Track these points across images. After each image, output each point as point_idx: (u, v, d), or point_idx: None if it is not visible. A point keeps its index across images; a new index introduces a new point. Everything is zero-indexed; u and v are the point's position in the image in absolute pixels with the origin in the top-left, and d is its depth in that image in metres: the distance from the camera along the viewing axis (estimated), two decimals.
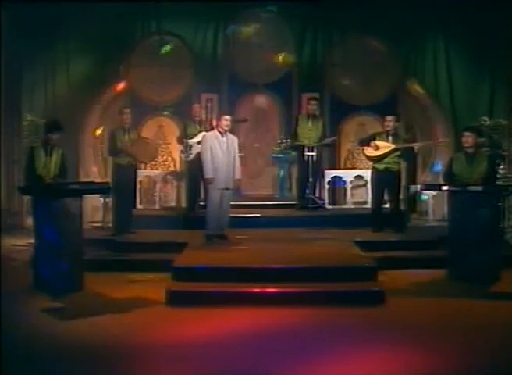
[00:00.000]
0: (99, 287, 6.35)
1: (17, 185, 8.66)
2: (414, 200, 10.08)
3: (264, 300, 5.85)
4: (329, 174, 9.96)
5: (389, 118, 8.43)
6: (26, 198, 8.90)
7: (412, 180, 10.19)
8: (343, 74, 10.62)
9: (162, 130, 10.55)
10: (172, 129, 10.45)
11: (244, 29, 10.75)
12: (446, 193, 7.24)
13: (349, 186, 9.92)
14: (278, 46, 10.77)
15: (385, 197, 8.57)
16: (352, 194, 9.94)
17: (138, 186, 9.49)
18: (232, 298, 5.83)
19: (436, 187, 7.90)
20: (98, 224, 9.19)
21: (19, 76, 10.17)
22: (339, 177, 10.00)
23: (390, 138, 8.35)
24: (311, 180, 9.34)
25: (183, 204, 9.85)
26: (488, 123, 9.82)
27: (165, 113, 10.62)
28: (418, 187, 9.96)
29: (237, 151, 7.77)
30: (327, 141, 9.43)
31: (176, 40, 10.67)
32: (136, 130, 8.89)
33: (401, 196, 8.81)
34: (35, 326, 5.17)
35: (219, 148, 7.58)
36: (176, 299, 5.86)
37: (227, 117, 7.64)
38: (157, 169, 10.49)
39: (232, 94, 10.75)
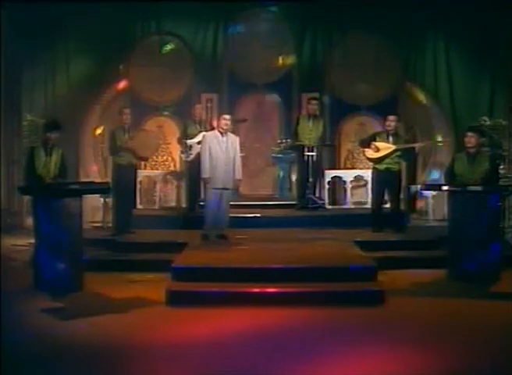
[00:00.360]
0: (99, 287, 6.35)
1: (17, 185, 8.66)
2: (414, 200, 10.08)
3: (264, 300, 5.85)
4: (329, 174, 9.95)
5: (391, 118, 8.43)
6: (26, 198, 8.90)
7: (412, 180, 10.19)
8: (343, 74, 10.62)
9: (162, 130, 10.54)
10: (172, 129, 10.45)
11: (244, 29, 10.75)
12: (446, 193, 7.24)
13: (349, 186, 9.92)
14: (278, 46, 10.77)
15: (386, 197, 8.57)
16: (352, 194, 9.94)
17: (138, 186, 9.48)
18: (232, 298, 5.83)
19: (436, 187, 7.91)
20: (98, 224, 9.19)
21: (19, 76, 10.17)
22: (339, 177, 9.99)
23: (391, 138, 8.36)
24: (311, 180, 9.34)
25: (183, 204, 9.85)
26: (488, 123, 9.82)
27: (165, 113, 10.63)
28: (418, 187, 9.97)
29: (238, 151, 7.77)
30: (325, 144, 9.47)
31: (176, 40, 10.67)
32: (137, 130, 8.89)
33: (401, 196, 8.81)
34: (35, 326, 5.17)
35: (219, 147, 7.58)
36: (175, 299, 5.85)
37: (226, 117, 7.64)
38: (157, 169, 10.49)
39: (232, 94, 10.75)
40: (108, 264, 7.22)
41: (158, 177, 10.18)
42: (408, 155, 8.71)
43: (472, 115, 10.14)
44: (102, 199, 9.10)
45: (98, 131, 10.41)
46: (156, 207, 9.94)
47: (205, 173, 7.61)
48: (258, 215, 8.96)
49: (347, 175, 10.00)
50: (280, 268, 6.39)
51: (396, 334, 5.02)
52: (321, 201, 9.62)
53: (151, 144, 8.63)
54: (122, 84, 10.58)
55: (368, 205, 9.11)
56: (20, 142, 10.08)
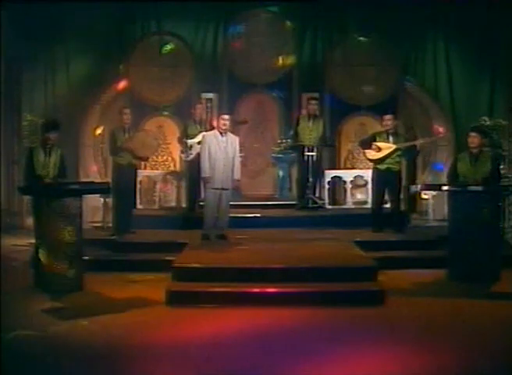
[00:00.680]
0: (99, 287, 6.36)
1: (17, 185, 8.66)
2: (414, 200, 10.08)
3: (264, 300, 5.85)
4: (329, 174, 9.95)
5: (387, 117, 8.44)
6: (26, 198, 8.90)
7: (412, 180, 10.19)
8: (343, 74, 10.61)
9: (162, 130, 10.53)
10: (172, 129, 10.44)
11: (244, 29, 10.75)
12: (446, 193, 7.24)
13: (349, 186, 9.92)
14: (278, 46, 10.75)
15: (386, 197, 8.57)
16: (352, 194, 9.94)
17: (138, 186, 9.47)
18: (232, 298, 5.83)
19: (436, 187, 7.91)
20: (98, 224, 9.18)
21: (19, 76, 10.17)
22: (339, 177, 9.99)
23: (391, 138, 8.36)
24: (311, 180, 9.34)
25: (183, 204, 9.84)
26: (488, 123, 9.81)
27: (165, 113, 10.62)
28: (418, 187, 9.96)
29: (238, 151, 7.77)
30: (326, 144, 9.46)
31: (176, 40, 10.66)
32: (137, 130, 8.90)
33: (401, 196, 8.81)
34: (35, 326, 5.17)
35: (218, 147, 7.58)
36: (175, 299, 5.86)
37: (225, 117, 7.64)
38: (157, 169, 10.49)
39: (232, 94, 10.74)
40: (108, 264, 7.22)
41: (158, 177, 10.17)
42: (409, 154, 8.71)
43: (472, 115, 10.13)
44: (102, 199, 9.09)
45: (98, 131, 10.40)
46: (156, 207, 9.93)
47: (205, 173, 7.62)
48: (258, 215, 8.96)
49: (347, 175, 9.99)
50: (280, 268, 6.39)
51: (396, 334, 5.02)
52: (321, 201, 9.61)
53: (151, 145, 8.62)
54: (122, 84, 10.57)
55: (368, 205, 9.11)
56: (20, 142, 10.08)
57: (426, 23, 10.51)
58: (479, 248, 6.60)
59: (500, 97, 10.27)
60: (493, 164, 7.14)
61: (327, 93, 10.64)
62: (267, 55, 10.71)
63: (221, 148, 7.59)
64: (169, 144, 10.52)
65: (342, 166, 10.59)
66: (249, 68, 10.72)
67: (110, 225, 8.65)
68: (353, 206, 9.82)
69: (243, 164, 8.70)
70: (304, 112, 9.88)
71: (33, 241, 6.61)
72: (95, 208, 9.41)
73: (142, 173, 9.89)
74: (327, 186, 9.84)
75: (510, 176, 9.37)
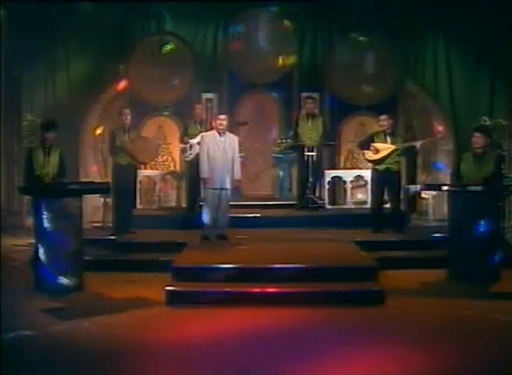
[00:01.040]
0: (99, 287, 6.36)
1: (17, 185, 8.66)
2: (413, 200, 10.08)
3: (264, 300, 5.86)
4: (329, 174, 9.94)
5: (382, 117, 8.45)
6: (26, 198, 8.90)
7: (412, 180, 10.19)
8: (343, 74, 10.61)
9: (162, 130, 10.53)
10: (172, 129, 10.44)
11: (244, 29, 10.74)
12: (446, 193, 7.23)
13: (349, 186, 9.91)
14: (278, 46, 10.75)
15: (386, 197, 8.56)
16: (352, 194, 9.93)
17: (138, 186, 9.48)
18: (232, 298, 5.83)
19: (436, 187, 7.90)
20: (98, 224, 9.18)
21: (19, 76, 10.16)
22: (339, 177, 9.99)
23: (388, 138, 8.37)
24: (311, 180, 9.34)
25: (183, 204, 9.85)
26: (488, 123, 9.80)
27: (165, 113, 10.61)
28: (418, 187, 9.96)
29: (237, 151, 7.76)
30: (326, 143, 9.45)
31: (176, 40, 10.66)
32: (137, 130, 8.91)
33: (401, 196, 8.81)
34: (35, 326, 5.17)
35: (216, 147, 7.58)
36: (175, 299, 5.86)
37: (221, 117, 7.64)
38: (157, 169, 10.48)
39: (232, 94, 10.74)
40: (108, 264, 7.23)
41: (158, 177, 10.16)
42: (408, 153, 8.71)
43: (472, 115, 10.13)
44: (102, 199, 9.09)
45: (98, 131, 10.40)
46: (156, 207, 9.93)
47: (203, 174, 7.63)
48: (258, 215, 8.96)
49: (347, 175, 9.98)
50: (280, 268, 6.39)
51: (396, 334, 5.02)
52: (321, 201, 9.61)
53: (151, 151, 8.69)
54: (122, 84, 10.57)
55: (368, 205, 9.11)
56: (20, 142, 10.07)
57: (426, 23, 10.51)
58: (479, 248, 6.59)
59: (500, 97, 10.26)
60: (496, 165, 7.13)
61: (327, 93, 10.64)
62: (267, 55, 10.71)
63: (219, 148, 7.59)
64: (169, 144, 10.52)
65: (342, 166, 10.59)
66: (249, 68, 10.73)
67: (110, 225, 8.66)
68: (353, 206, 9.82)
69: (243, 164, 8.69)
70: (303, 112, 9.89)
71: (33, 241, 6.60)
72: (95, 208, 9.41)
73: (142, 173, 9.88)
74: (327, 186, 9.85)
75: (510, 176, 9.37)
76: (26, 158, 6.94)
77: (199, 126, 9.13)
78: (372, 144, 8.34)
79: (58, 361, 4.46)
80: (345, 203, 9.88)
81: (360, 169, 10.14)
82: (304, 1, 10.42)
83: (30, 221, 7.97)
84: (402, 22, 10.37)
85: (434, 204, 9.72)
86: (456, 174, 7.23)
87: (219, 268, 6.40)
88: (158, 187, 10.10)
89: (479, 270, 6.56)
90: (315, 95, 10.08)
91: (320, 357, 4.52)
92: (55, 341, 4.87)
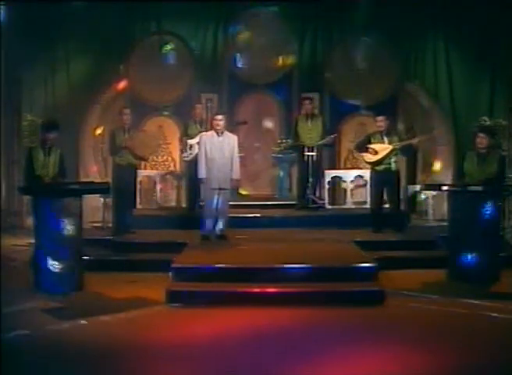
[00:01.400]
0: (99, 287, 6.36)
1: (17, 185, 8.65)
2: (413, 200, 10.08)
3: (264, 300, 5.86)
4: (329, 174, 9.94)
5: (379, 118, 8.45)
6: (26, 198, 8.90)
7: (412, 180, 10.19)
8: (343, 74, 10.61)
9: (162, 130, 10.53)
10: (172, 129, 10.45)
11: (244, 29, 10.75)
12: (446, 193, 7.23)
13: (349, 186, 9.91)
14: (278, 46, 10.75)
15: (385, 197, 8.56)
16: (352, 194, 9.93)
17: (138, 186, 9.47)
18: (232, 298, 5.83)
19: (436, 187, 7.90)
20: (98, 224, 9.18)
21: (19, 76, 10.16)
22: (339, 177, 9.99)
23: (385, 138, 8.36)
24: (311, 180, 9.34)
25: (183, 204, 9.85)
26: (488, 123, 9.80)
27: (165, 113, 10.62)
28: (418, 187, 9.97)
29: (236, 150, 7.74)
30: (326, 139, 9.40)
31: (176, 40, 10.66)
32: (137, 130, 8.90)
33: (401, 196, 8.80)
34: (35, 326, 5.17)
35: (215, 147, 7.57)
36: (175, 299, 5.86)
37: (218, 117, 7.62)
38: (157, 169, 10.48)
39: (232, 94, 10.75)
40: (108, 264, 7.23)
41: (157, 177, 10.17)
42: (407, 151, 8.71)
43: (472, 115, 10.12)
44: (102, 199, 9.09)
45: (98, 131, 10.38)
46: (156, 207, 9.93)
47: (200, 174, 7.63)
48: (258, 215, 8.96)
49: (347, 175, 9.98)
50: (280, 268, 6.39)
51: (396, 334, 5.02)
52: (321, 201, 9.61)
53: (150, 145, 8.66)
54: (122, 84, 10.57)
55: (368, 205, 9.10)
56: (20, 142, 10.06)
57: (426, 23, 10.51)
58: (479, 248, 6.60)
59: (500, 97, 10.25)
60: (500, 165, 7.13)
61: (327, 93, 10.65)
62: (267, 55, 10.71)
63: (217, 147, 7.57)
64: (169, 144, 10.52)
65: (342, 166, 10.59)
66: (249, 68, 10.73)
67: (110, 225, 8.66)
68: (353, 206, 9.81)
69: (243, 164, 8.68)
70: (302, 112, 9.89)
71: (33, 241, 6.60)
72: (95, 208, 9.40)
73: (142, 173, 9.89)
74: (327, 186, 9.85)
75: (510, 176, 9.37)
76: (26, 158, 6.93)
77: (199, 126, 9.14)
78: (370, 145, 8.34)
79: (58, 361, 4.47)
80: (345, 203, 9.88)
81: (361, 169, 10.13)
82: (304, 1, 10.41)
83: (30, 221, 7.96)
84: (402, 22, 10.37)
85: (434, 204, 9.73)
86: (459, 173, 7.23)
87: (219, 268, 6.40)
88: (158, 187, 10.10)
89: (479, 270, 6.56)
90: (313, 96, 10.08)
91: (320, 357, 4.52)
92: (55, 340, 4.87)
